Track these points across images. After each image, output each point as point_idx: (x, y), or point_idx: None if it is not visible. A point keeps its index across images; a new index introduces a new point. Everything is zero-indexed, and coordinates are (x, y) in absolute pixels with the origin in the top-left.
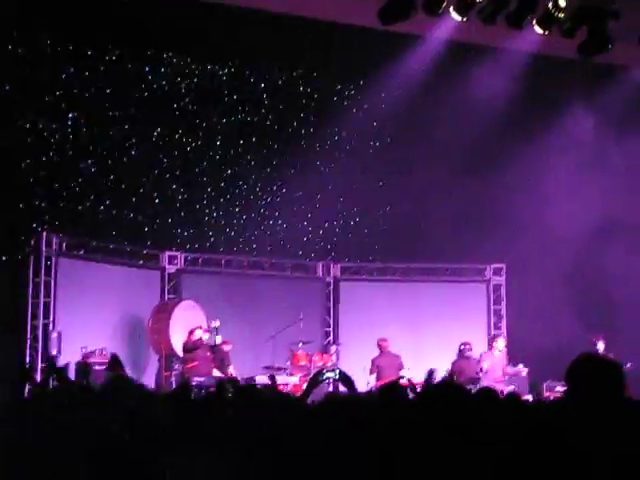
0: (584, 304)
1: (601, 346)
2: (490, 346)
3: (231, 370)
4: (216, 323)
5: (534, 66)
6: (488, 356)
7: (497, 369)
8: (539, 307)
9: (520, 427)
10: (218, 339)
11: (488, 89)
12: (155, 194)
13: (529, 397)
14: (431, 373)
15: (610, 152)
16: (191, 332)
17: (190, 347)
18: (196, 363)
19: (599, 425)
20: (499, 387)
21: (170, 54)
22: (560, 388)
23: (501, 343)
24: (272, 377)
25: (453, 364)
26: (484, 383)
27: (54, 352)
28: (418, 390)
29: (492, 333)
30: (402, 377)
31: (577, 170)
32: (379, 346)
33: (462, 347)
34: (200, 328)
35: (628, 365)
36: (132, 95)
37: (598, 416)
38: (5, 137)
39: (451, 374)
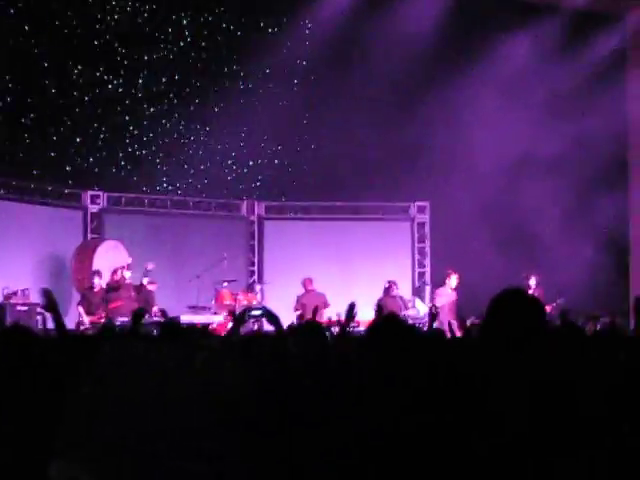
0: (508, 239)
1: (533, 282)
2: (443, 283)
3: (155, 309)
4: (151, 265)
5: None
6: (442, 292)
7: (451, 307)
8: (463, 244)
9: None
10: (145, 281)
11: (413, 24)
12: (77, 132)
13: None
14: (352, 307)
15: (532, 86)
16: (114, 272)
17: (114, 286)
18: (120, 303)
19: (516, 354)
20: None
21: None
22: None
23: (454, 280)
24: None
25: (379, 301)
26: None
27: None
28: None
29: (447, 271)
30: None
31: (499, 105)
32: (303, 285)
33: (387, 285)
34: (124, 268)
35: (559, 301)
36: (52, 31)
37: (514, 344)
38: None
39: (377, 311)
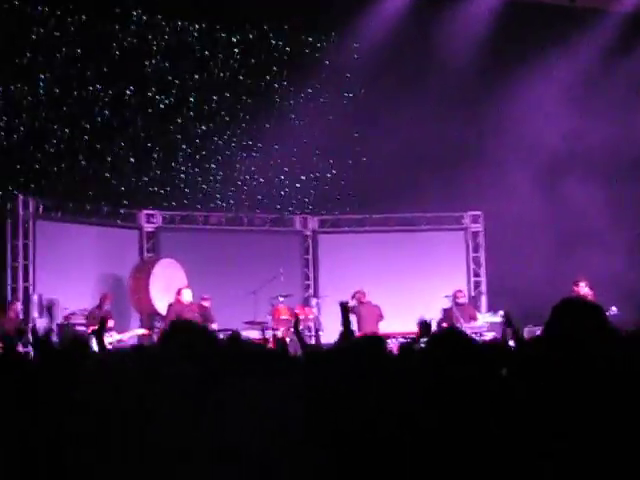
0: (563, 245)
1: (584, 288)
2: (573, 291)
3: (214, 327)
4: (206, 303)
5: (513, 11)
6: None
7: None
8: (518, 252)
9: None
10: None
11: (463, 36)
12: (130, 153)
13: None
14: (427, 325)
15: (585, 91)
16: (178, 292)
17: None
18: None
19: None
20: None
21: (139, 11)
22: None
23: (583, 288)
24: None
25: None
26: None
27: (35, 314)
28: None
29: (577, 279)
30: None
31: (551, 112)
32: (357, 298)
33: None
34: (187, 287)
35: (613, 309)
36: (103, 55)
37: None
38: None
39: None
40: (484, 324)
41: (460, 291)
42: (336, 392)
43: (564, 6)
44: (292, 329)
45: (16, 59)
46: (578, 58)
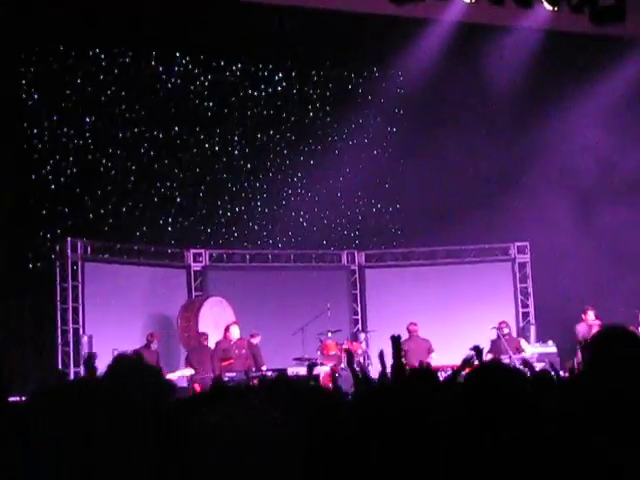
0: (610, 271)
1: (592, 317)
2: (581, 319)
3: (263, 368)
4: (255, 340)
5: (552, 41)
6: (583, 328)
7: None
8: (565, 281)
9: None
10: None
11: (503, 65)
12: (176, 193)
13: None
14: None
15: (630, 118)
16: (227, 329)
17: (226, 347)
18: (231, 361)
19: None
20: None
21: (182, 52)
22: None
23: (591, 315)
24: (310, 367)
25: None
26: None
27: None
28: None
29: (585, 308)
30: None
31: (596, 139)
32: (408, 330)
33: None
34: (236, 324)
35: None
36: (147, 96)
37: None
38: (24, 145)
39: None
40: (533, 354)
41: (503, 322)
42: (389, 428)
43: (602, 35)
44: (344, 364)
45: (62, 102)
46: (615, 86)
